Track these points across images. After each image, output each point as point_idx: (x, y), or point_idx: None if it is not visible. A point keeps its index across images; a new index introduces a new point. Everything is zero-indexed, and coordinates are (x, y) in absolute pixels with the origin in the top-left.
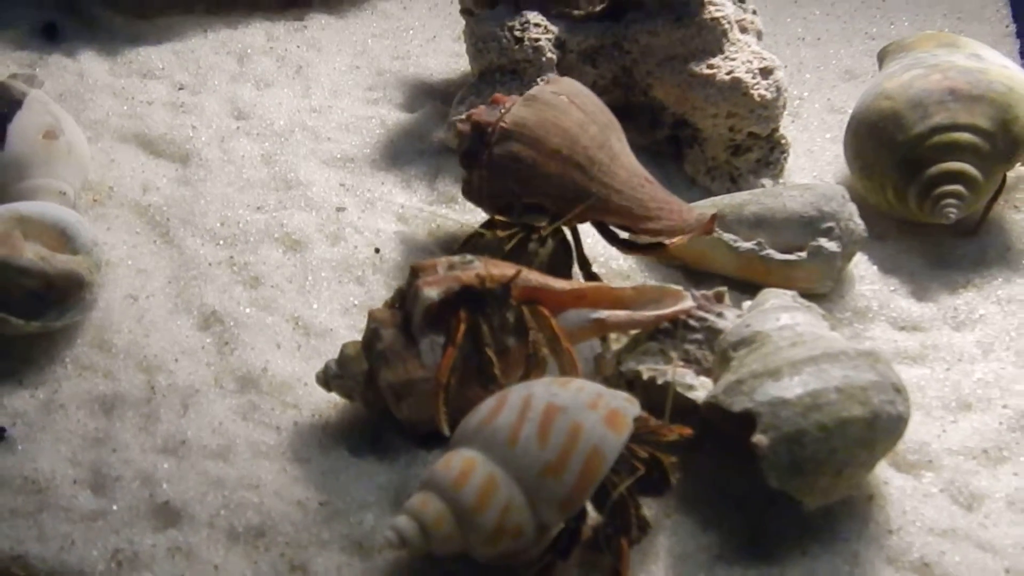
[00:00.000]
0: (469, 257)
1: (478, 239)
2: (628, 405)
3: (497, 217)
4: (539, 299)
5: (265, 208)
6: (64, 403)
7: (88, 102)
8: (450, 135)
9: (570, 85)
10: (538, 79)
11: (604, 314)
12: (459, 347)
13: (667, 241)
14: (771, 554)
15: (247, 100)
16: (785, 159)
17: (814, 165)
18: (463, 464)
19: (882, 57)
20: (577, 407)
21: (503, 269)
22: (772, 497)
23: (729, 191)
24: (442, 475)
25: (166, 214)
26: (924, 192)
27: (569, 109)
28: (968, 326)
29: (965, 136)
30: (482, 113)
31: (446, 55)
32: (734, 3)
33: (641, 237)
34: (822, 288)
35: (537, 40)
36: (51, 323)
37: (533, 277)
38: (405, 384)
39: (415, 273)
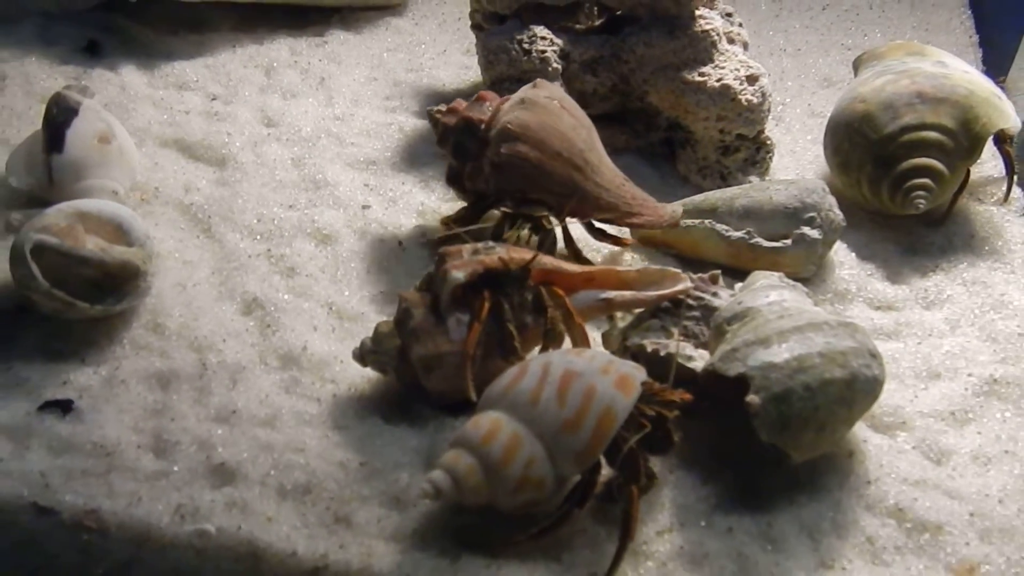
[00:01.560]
0: (491, 243)
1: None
2: (636, 371)
3: (502, 208)
4: (554, 281)
5: (297, 206)
6: (125, 379)
7: (131, 111)
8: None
9: (556, 90)
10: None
11: (611, 294)
12: (483, 323)
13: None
14: (763, 504)
15: (276, 109)
16: (770, 158)
17: (797, 164)
18: (490, 424)
19: (857, 65)
20: (591, 372)
21: (522, 254)
22: (763, 454)
23: (719, 188)
24: (472, 433)
25: (207, 212)
26: (896, 185)
27: (562, 114)
28: (937, 305)
29: (932, 135)
30: (468, 108)
31: (456, 67)
32: (722, 17)
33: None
34: (805, 272)
35: (544, 52)
36: (111, 308)
37: (548, 261)
38: (434, 357)
39: (442, 258)
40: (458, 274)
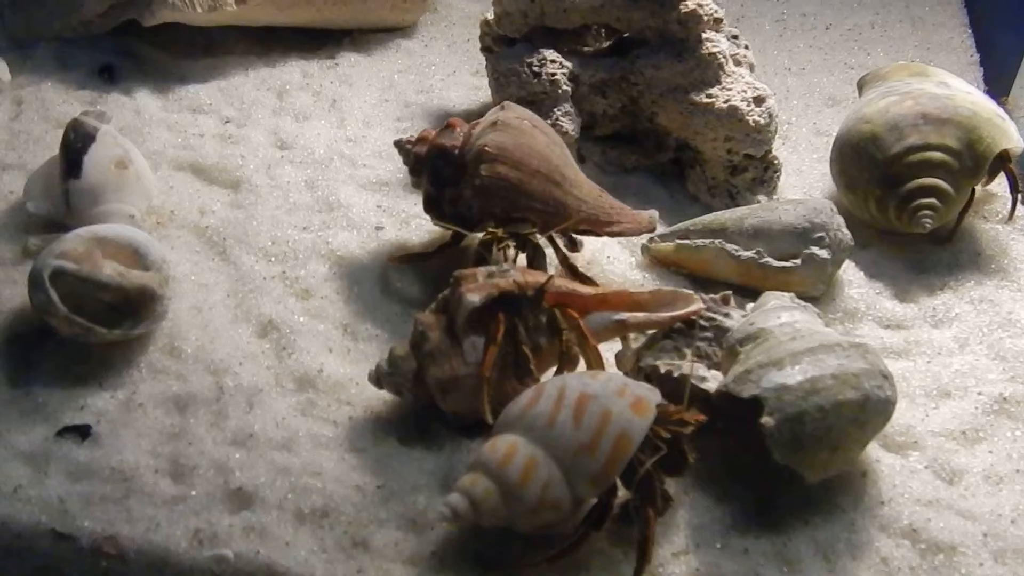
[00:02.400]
0: (505, 266)
1: (453, 247)
2: (651, 393)
3: (490, 229)
4: (568, 303)
5: (311, 228)
6: (142, 402)
7: (146, 135)
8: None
9: (525, 111)
10: (554, 109)
11: (625, 316)
12: (499, 346)
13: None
14: (778, 524)
15: (289, 131)
16: (778, 177)
17: (803, 183)
18: (507, 446)
19: (861, 85)
20: (607, 395)
21: (536, 276)
22: (777, 475)
23: (728, 207)
24: (489, 456)
25: (222, 234)
26: (902, 204)
27: (535, 133)
28: (945, 323)
29: (936, 155)
30: (438, 136)
31: (465, 88)
32: (728, 39)
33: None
34: (815, 291)
35: (553, 74)
36: (129, 332)
37: (562, 283)
38: (450, 380)
39: (458, 282)
40: (473, 297)
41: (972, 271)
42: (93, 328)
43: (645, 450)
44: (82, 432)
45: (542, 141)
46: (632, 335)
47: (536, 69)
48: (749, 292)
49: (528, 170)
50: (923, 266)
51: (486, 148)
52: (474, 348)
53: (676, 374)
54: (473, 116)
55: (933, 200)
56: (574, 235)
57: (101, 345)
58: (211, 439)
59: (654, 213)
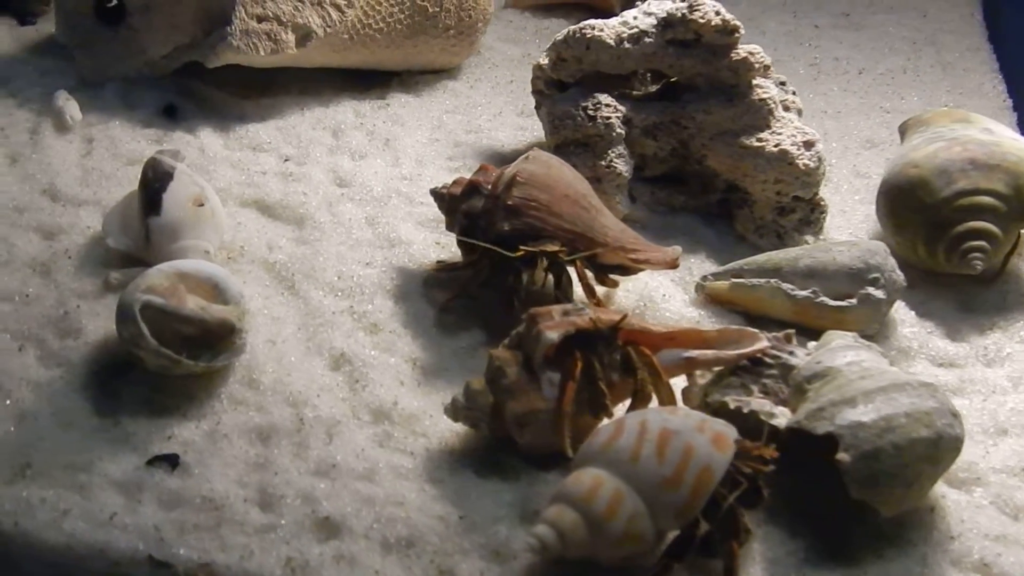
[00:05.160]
0: (580, 305)
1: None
2: (728, 429)
3: (521, 247)
4: (638, 340)
5: (374, 264)
6: (227, 433)
7: (211, 173)
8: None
9: (552, 154)
10: (608, 151)
11: (694, 353)
12: (577, 382)
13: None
14: (852, 558)
15: (346, 170)
16: (824, 219)
17: (847, 224)
18: (592, 480)
19: (903, 130)
20: (688, 430)
21: (610, 314)
22: (848, 509)
23: (775, 246)
24: (574, 489)
25: (290, 269)
26: (952, 247)
27: (562, 167)
28: (998, 363)
29: (986, 199)
30: (473, 176)
31: (512, 128)
32: (777, 86)
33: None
34: (870, 330)
35: (608, 118)
36: (212, 364)
37: (634, 321)
38: (528, 414)
39: (534, 319)
40: (552, 334)
41: (1020, 311)
42: (181, 360)
43: (725, 484)
44: (171, 461)
45: (569, 174)
46: (699, 372)
47: (591, 112)
48: (803, 331)
49: (557, 193)
50: (970, 306)
51: (517, 175)
52: (551, 384)
53: (746, 410)
54: (520, 155)
55: (983, 243)
56: (611, 275)
57: (181, 377)
58: (295, 469)
59: (678, 249)
